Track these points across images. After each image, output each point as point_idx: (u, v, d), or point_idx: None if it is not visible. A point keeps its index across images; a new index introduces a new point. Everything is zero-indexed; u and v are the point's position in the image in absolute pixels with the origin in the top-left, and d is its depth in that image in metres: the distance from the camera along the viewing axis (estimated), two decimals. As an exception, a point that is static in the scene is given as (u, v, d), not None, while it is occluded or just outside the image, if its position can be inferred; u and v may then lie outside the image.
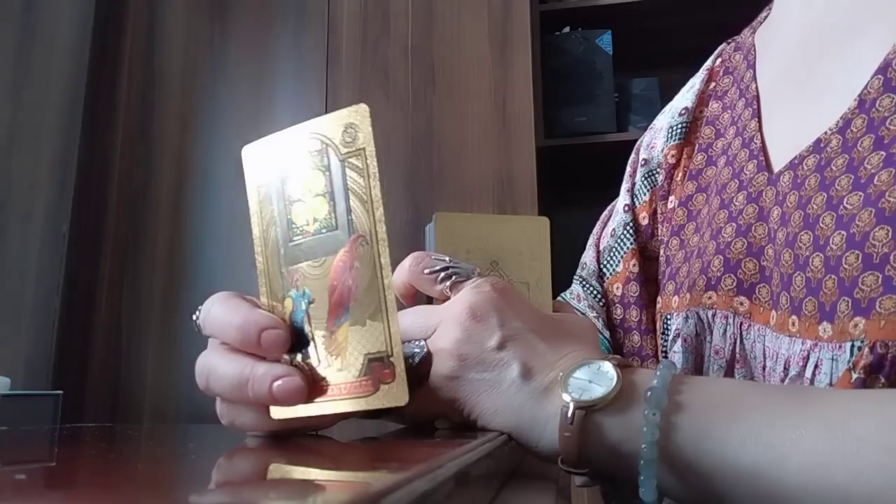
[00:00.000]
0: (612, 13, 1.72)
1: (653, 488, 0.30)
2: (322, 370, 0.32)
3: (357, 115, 0.32)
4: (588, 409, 0.32)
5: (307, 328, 0.33)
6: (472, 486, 0.24)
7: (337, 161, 0.32)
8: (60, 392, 1.23)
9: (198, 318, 0.36)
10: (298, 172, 0.33)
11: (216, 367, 0.33)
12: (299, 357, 0.33)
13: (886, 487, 0.26)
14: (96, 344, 1.65)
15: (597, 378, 0.32)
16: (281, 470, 0.24)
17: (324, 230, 0.32)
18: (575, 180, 1.92)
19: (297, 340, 0.33)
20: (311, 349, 0.33)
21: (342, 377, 0.32)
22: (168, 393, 1.59)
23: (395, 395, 0.31)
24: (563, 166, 1.80)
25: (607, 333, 0.59)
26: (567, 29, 1.73)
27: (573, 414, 0.32)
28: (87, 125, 1.74)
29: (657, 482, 0.31)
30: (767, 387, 0.34)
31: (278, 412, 0.33)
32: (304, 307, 0.33)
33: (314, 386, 0.32)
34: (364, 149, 0.32)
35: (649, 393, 0.31)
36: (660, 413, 0.31)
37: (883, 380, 0.35)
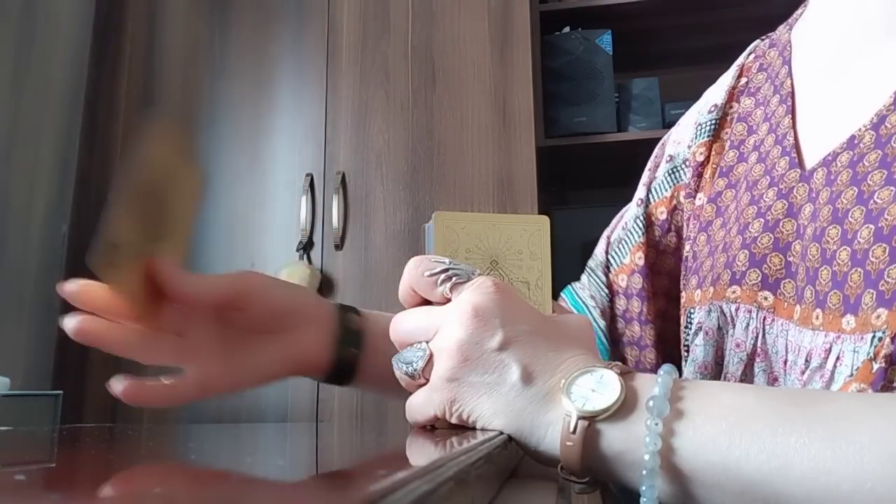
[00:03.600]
0: (612, 13, 1.72)
1: (654, 497, 0.30)
2: None
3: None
4: (591, 420, 0.32)
5: None
6: (472, 486, 0.24)
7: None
8: (60, 392, 1.23)
9: None
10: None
11: None
12: None
13: (890, 495, 0.26)
14: (96, 344, 1.65)
15: (599, 387, 0.32)
16: (280, 470, 0.24)
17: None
18: (575, 180, 1.92)
19: None
20: None
21: None
22: (168, 393, 1.59)
23: None
24: (563, 166, 1.80)
25: (602, 324, 0.60)
26: (567, 29, 1.73)
27: (575, 424, 0.32)
28: (87, 125, 1.74)
29: (659, 491, 0.30)
30: (769, 392, 0.34)
31: None
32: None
33: None
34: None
35: (651, 402, 0.31)
36: (661, 422, 0.30)
37: None
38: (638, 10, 1.71)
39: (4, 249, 1.56)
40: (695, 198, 0.59)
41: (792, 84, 0.54)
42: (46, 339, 1.62)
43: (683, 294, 0.56)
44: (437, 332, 0.37)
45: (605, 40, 1.70)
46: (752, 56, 0.61)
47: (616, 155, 1.68)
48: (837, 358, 0.39)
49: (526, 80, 1.59)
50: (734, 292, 0.49)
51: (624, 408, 0.32)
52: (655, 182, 0.62)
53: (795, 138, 0.50)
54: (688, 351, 0.53)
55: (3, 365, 1.42)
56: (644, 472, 0.30)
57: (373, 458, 0.28)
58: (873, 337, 0.37)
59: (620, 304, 0.60)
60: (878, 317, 0.37)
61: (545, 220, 0.45)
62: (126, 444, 0.33)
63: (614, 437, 0.32)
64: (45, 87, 1.68)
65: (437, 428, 0.37)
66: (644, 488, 0.30)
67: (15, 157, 1.59)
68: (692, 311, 0.53)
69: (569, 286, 0.65)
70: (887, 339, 0.36)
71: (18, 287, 1.58)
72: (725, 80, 0.61)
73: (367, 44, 1.67)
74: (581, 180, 1.90)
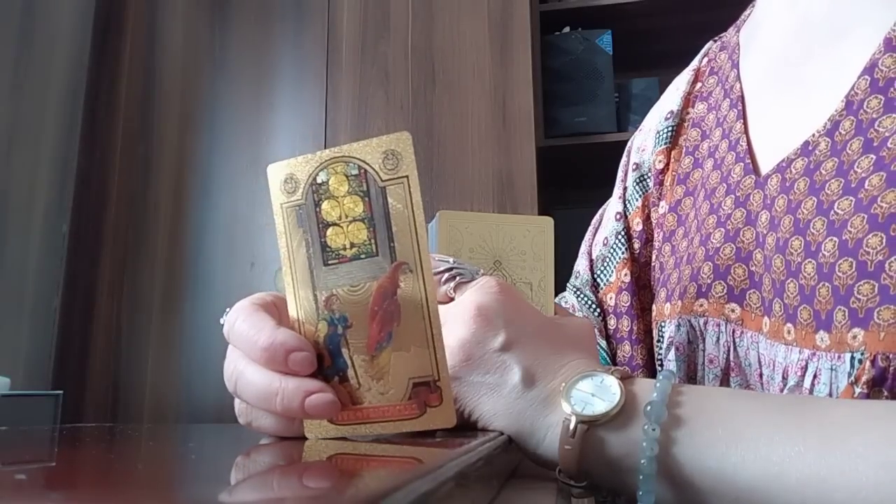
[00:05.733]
0: (612, 13, 1.72)
1: (651, 502, 0.30)
2: (362, 393, 0.33)
3: (399, 143, 0.32)
4: (590, 424, 0.32)
5: (344, 352, 0.33)
6: (472, 486, 0.24)
7: (377, 188, 0.32)
8: (60, 392, 1.23)
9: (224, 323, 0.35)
10: (333, 196, 0.33)
11: (244, 373, 0.33)
12: (336, 379, 0.33)
13: None
14: (96, 344, 1.65)
15: (600, 392, 0.32)
16: (280, 470, 0.24)
17: (363, 255, 0.32)
18: (575, 180, 1.91)
19: (333, 363, 0.33)
20: (349, 372, 0.33)
21: (384, 400, 0.32)
22: (168, 393, 1.59)
23: (443, 417, 0.32)
24: (563, 166, 1.80)
25: (604, 343, 0.58)
26: (567, 29, 1.73)
27: (575, 428, 0.31)
28: (87, 125, 1.74)
29: (656, 497, 0.30)
30: (767, 399, 0.34)
31: (313, 431, 0.33)
32: (340, 331, 0.33)
33: (353, 408, 0.33)
34: (407, 177, 0.32)
35: (649, 407, 0.31)
36: (659, 428, 0.30)
37: (886, 393, 0.35)
38: (638, 10, 1.71)
39: (4, 249, 1.56)
40: (658, 206, 0.58)
41: (741, 88, 0.53)
42: (46, 339, 1.63)
43: (654, 307, 0.55)
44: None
45: (605, 40, 1.70)
46: (706, 59, 0.60)
47: (616, 155, 1.67)
48: (815, 376, 0.39)
49: (526, 80, 1.59)
50: (701, 306, 0.48)
51: (623, 413, 0.32)
52: (628, 193, 0.61)
53: (748, 143, 0.49)
54: (661, 366, 0.52)
55: (3, 365, 1.42)
56: (641, 476, 0.30)
57: (373, 458, 0.28)
58: (852, 358, 0.36)
59: (611, 323, 0.59)
60: (855, 337, 0.37)
61: (549, 222, 0.45)
62: (126, 444, 0.33)
63: (613, 442, 0.32)
64: (45, 87, 1.68)
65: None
66: (641, 493, 0.30)
67: (15, 157, 1.59)
68: (663, 324, 0.53)
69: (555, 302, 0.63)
70: (867, 363, 0.36)
71: (18, 287, 1.58)
72: (681, 86, 0.60)
73: (367, 44, 1.67)
74: (581, 180, 1.90)
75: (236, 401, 0.35)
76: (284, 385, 0.32)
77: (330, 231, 0.33)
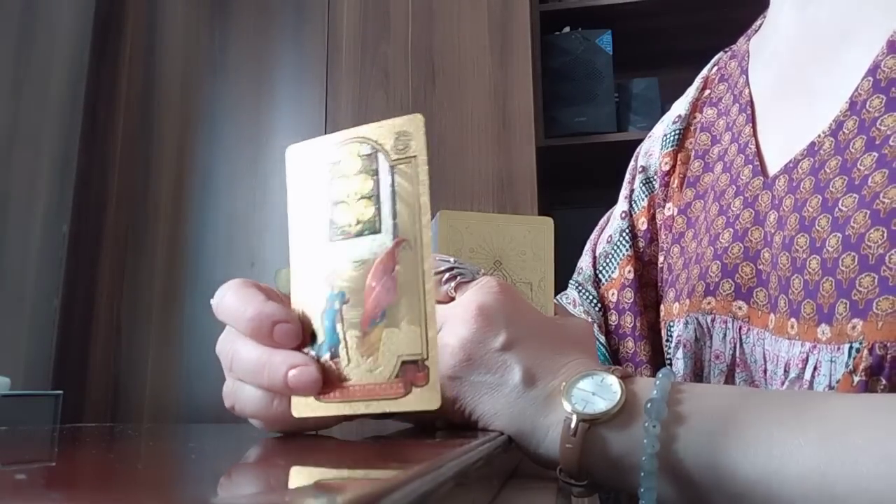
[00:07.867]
0: (612, 13, 1.72)
1: (653, 500, 0.30)
2: (351, 370, 0.32)
3: (411, 125, 0.32)
4: (591, 423, 0.32)
5: (338, 327, 0.33)
6: (472, 486, 0.24)
7: (386, 166, 0.32)
8: (60, 392, 1.23)
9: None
10: (345, 175, 0.33)
11: (239, 350, 0.34)
12: (327, 355, 0.33)
13: (885, 496, 0.26)
14: (96, 344, 1.65)
15: (600, 391, 0.32)
16: (280, 470, 0.24)
17: (367, 232, 0.32)
18: (575, 180, 1.92)
19: (326, 339, 0.33)
20: (340, 348, 0.33)
21: (372, 378, 0.32)
22: (168, 393, 1.59)
23: (428, 399, 0.31)
24: (563, 166, 1.80)
25: (603, 339, 0.59)
26: (567, 29, 1.73)
27: (576, 426, 0.32)
28: (87, 125, 1.74)
29: (658, 494, 0.30)
30: (766, 394, 0.34)
31: (300, 409, 0.33)
32: (336, 306, 0.33)
33: (341, 385, 0.32)
34: (416, 157, 0.32)
35: (649, 404, 0.31)
36: (660, 425, 0.30)
37: (884, 381, 0.35)
38: (638, 10, 1.71)
39: (4, 249, 1.56)
40: (664, 207, 0.59)
41: (750, 93, 0.54)
42: (46, 340, 1.63)
43: (663, 308, 0.56)
44: (441, 330, 0.37)
45: (605, 40, 1.70)
46: (716, 68, 0.62)
47: (616, 155, 1.67)
48: (815, 368, 0.39)
49: (526, 80, 1.59)
50: (709, 303, 0.49)
51: (624, 411, 0.32)
52: (634, 194, 0.62)
53: (757, 146, 0.50)
54: (670, 365, 0.53)
55: (3, 365, 1.42)
56: (642, 474, 0.30)
57: (373, 458, 0.28)
58: (850, 348, 0.37)
59: (612, 319, 0.60)
60: (854, 327, 0.37)
61: (549, 222, 0.45)
62: (126, 444, 0.33)
63: (614, 441, 0.32)
64: (45, 87, 1.68)
65: (438, 427, 0.37)
66: (642, 490, 0.30)
67: (15, 157, 1.59)
68: (671, 324, 0.53)
69: (556, 299, 0.64)
70: (865, 351, 0.36)
71: (18, 287, 1.58)
72: (689, 93, 0.62)
73: (367, 44, 1.67)
74: (581, 180, 1.90)
75: (225, 383, 0.35)
76: (271, 358, 0.32)
77: (338, 208, 0.33)
